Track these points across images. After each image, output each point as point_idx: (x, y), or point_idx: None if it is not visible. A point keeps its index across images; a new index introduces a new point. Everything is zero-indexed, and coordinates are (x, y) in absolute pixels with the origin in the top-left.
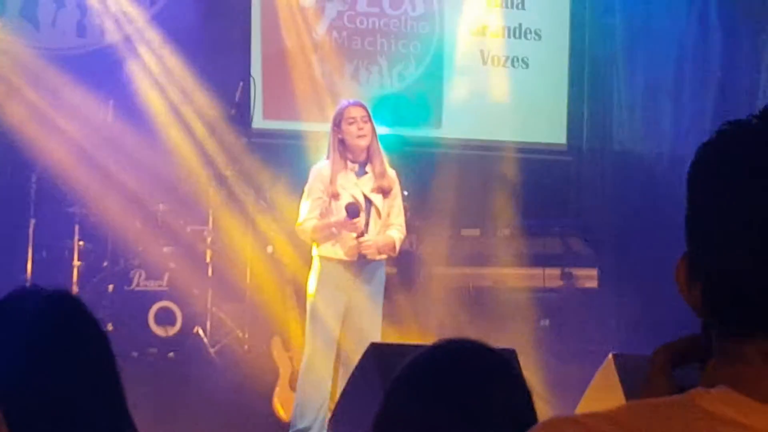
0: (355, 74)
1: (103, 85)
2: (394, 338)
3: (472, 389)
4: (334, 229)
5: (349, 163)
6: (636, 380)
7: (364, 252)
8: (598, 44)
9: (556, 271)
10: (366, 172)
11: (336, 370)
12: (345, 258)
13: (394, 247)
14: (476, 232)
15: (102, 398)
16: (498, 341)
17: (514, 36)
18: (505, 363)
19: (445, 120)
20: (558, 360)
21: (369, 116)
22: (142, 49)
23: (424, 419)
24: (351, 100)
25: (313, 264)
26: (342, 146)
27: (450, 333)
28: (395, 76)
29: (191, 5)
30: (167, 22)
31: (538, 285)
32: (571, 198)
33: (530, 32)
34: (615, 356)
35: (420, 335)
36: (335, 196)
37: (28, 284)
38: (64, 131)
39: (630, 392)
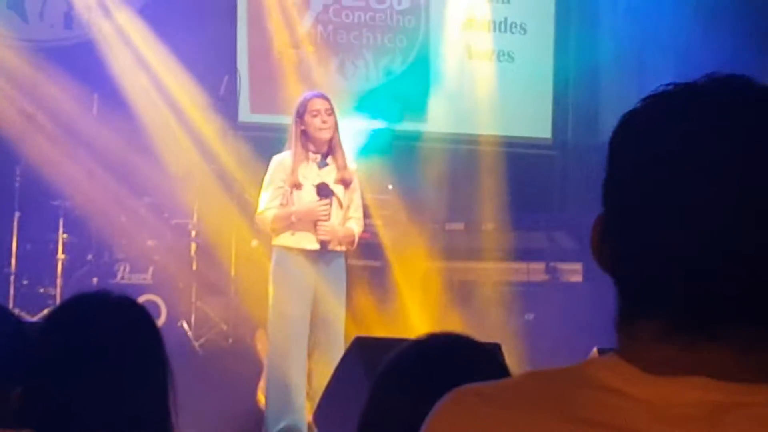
0: (341, 68)
1: (88, 77)
2: (377, 332)
3: (459, 383)
4: (294, 218)
5: (311, 154)
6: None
7: (323, 237)
8: (584, 38)
9: (540, 266)
10: (327, 164)
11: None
12: (306, 247)
13: (354, 240)
14: (461, 226)
15: (154, 404)
16: (483, 335)
17: (500, 30)
18: (491, 357)
19: (430, 114)
20: (542, 354)
21: (332, 109)
22: (129, 42)
23: (410, 413)
24: (314, 92)
25: (274, 255)
26: (304, 137)
27: (434, 327)
28: (381, 70)
29: None
30: (155, 14)
31: (522, 279)
32: (556, 192)
33: (516, 26)
34: (599, 350)
35: (404, 329)
36: (297, 185)
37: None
38: (49, 124)
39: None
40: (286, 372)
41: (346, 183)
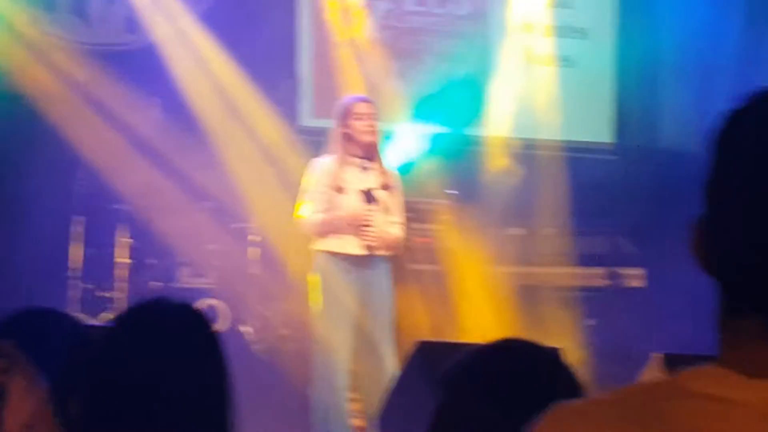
0: (402, 73)
1: (151, 81)
2: (439, 337)
3: (535, 391)
4: (338, 223)
5: (352, 158)
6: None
7: (369, 242)
8: (645, 42)
9: (602, 271)
10: (369, 168)
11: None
12: (351, 252)
13: (397, 244)
14: (522, 230)
15: (214, 411)
16: (543, 340)
17: (560, 35)
18: (563, 367)
19: (490, 119)
20: (603, 359)
21: (376, 113)
22: (191, 45)
23: (484, 418)
24: (358, 95)
25: (316, 260)
26: (347, 141)
27: (495, 332)
28: (440, 75)
29: (240, 2)
30: (216, 19)
31: (583, 284)
32: (618, 197)
33: (576, 31)
34: (660, 356)
35: (465, 334)
36: (339, 190)
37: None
38: (112, 128)
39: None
40: (329, 380)
41: (388, 187)
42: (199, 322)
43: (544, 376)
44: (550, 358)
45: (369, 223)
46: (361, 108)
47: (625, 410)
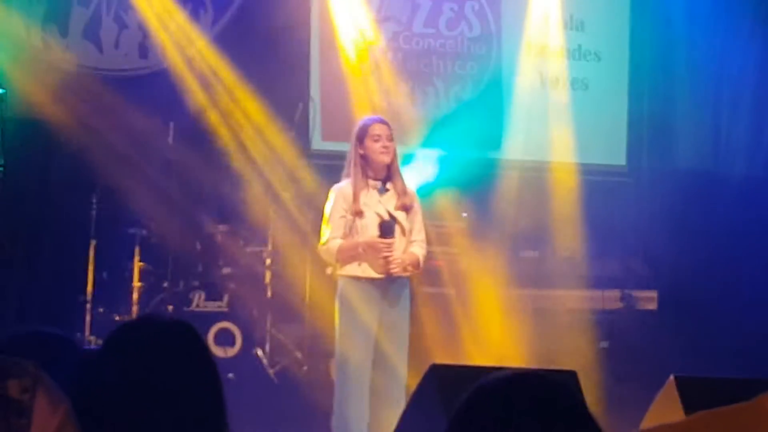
0: (411, 95)
1: (164, 106)
2: (452, 360)
3: (543, 428)
4: (360, 249)
5: (370, 180)
6: (697, 402)
7: (392, 270)
8: (659, 65)
9: (615, 293)
10: (387, 190)
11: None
12: (373, 276)
13: (419, 264)
14: (535, 253)
15: (206, 427)
16: (557, 363)
17: (574, 57)
18: (577, 401)
19: (504, 142)
20: (618, 382)
21: (392, 134)
22: (203, 71)
23: None
24: (374, 117)
25: (339, 285)
26: (364, 162)
27: (509, 355)
28: (451, 98)
29: (251, 26)
30: (228, 43)
31: (597, 307)
32: (631, 219)
33: (590, 53)
34: (677, 378)
35: (479, 357)
36: (359, 214)
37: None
38: (125, 153)
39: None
40: (347, 410)
41: (406, 208)
42: (189, 335)
43: (553, 410)
44: (558, 388)
45: (388, 255)
46: (378, 129)
47: None
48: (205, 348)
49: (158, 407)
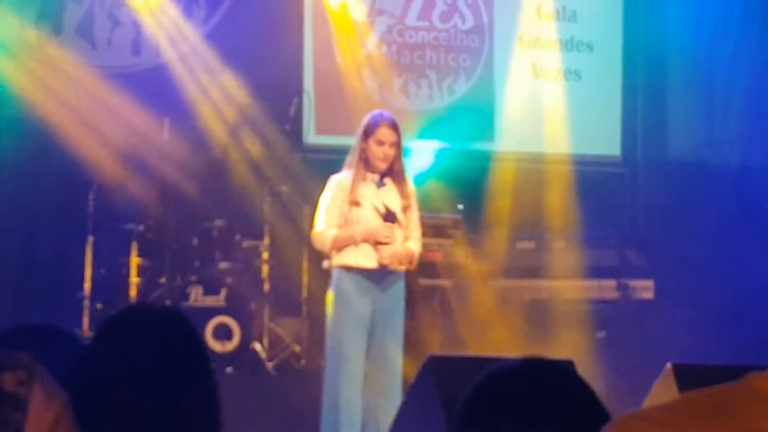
0: (404, 88)
1: (158, 102)
2: (449, 351)
3: (554, 413)
4: (357, 237)
5: (369, 173)
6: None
7: (385, 260)
8: (652, 55)
9: (611, 283)
10: (385, 184)
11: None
12: (366, 266)
13: (413, 259)
14: (531, 244)
15: (199, 415)
16: (554, 353)
17: (566, 48)
18: (581, 383)
19: (497, 133)
20: (614, 371)
21: (398, 141)
22: (197, 67)
23: None
24: (386, 117)
25: (334, 275)
26: (365, 157)
27: (506, 345)
28: (445, 90)
29: (245, 23)
30: (221, 39)
31: (593, 297)
32: (626, 209)
33: (582, 44)
34: (674, 366)
35: (475, 348)
36: (356, 203)
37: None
38: (121, 149)
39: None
40: (337, 403)
41: (404, 202)
42: (180, 323)
43: (564, 396)
44: (567, 375)
45: (389, 240)
46: (383, 135)
47: (697, 414)
48: (196, 334)
49: (150, 394)
